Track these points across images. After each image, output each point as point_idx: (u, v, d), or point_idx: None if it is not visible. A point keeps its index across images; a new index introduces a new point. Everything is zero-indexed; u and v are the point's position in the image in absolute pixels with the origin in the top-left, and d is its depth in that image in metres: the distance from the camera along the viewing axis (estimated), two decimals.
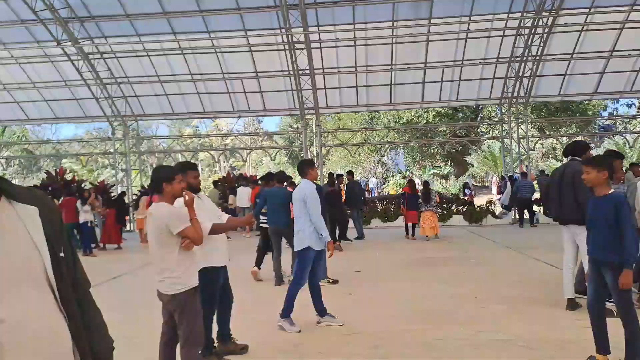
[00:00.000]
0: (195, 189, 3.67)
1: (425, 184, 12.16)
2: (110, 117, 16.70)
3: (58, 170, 18.52)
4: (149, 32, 14.25)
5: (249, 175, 19.24)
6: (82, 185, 17.83)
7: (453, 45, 14.71)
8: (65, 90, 16.53)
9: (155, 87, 16.19)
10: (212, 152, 27.10)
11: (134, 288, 7.30)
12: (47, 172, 18.89)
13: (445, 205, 15.13)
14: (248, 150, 22.74)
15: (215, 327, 4.01)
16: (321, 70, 15.13)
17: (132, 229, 16.12)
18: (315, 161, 14.19)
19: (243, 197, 13.80)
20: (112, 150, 17.83)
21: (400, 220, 13.21)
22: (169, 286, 3.18)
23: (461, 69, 15.38)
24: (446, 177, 31.05)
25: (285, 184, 7.55)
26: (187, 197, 3.20)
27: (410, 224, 11.66)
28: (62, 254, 1.30)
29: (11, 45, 15.04)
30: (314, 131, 16.44)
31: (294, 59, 14.14)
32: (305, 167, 4.97)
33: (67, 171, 20.59)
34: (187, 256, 3.22)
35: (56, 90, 16.58)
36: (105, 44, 14.63)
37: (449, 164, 31.63)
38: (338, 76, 15.65)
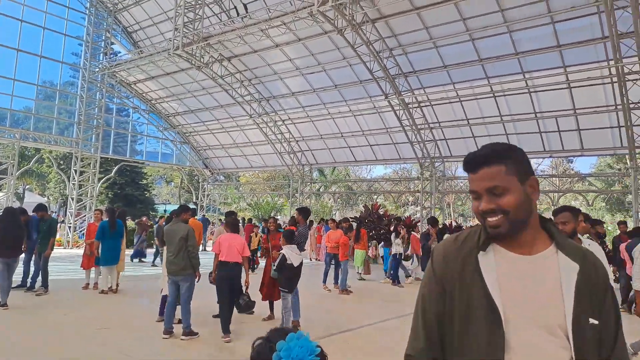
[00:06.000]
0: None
1: None
2: (420, 159, 18.46)
3: (373, 205, 21.56)
4: (463, 79, 15.29)
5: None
6: (392, 220, 20.16)
7: None
8: (385, 136, 19.36)
9: (463, 130, 17.06)
10: None
11: None
12: (365, 206, 22.19)
13: None
14: (558, 194, 20.81)
15: None
16: None
17: None
18: None
19: None
20: (417, 188, 19.60)
21: None
22: None
23: None
24: None
25: None
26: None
27: None
28: (595, 321, 1.28)
29: (350, 101, 18.78)
30: None
31: (623, 93, 12.38)
32: None
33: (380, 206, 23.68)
34: None
35: (379, 136, 19.60)
36: (423, 94, 16.46)
37: None
38: None
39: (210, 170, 27.74)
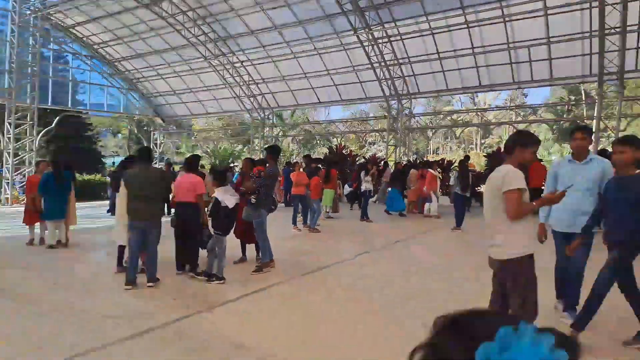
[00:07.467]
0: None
1: None
2: (388, 97, 18.10)
3: (338, 146, 21.28)
4: (437, 10, 14.73)
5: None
6: (357, 159, 20.06)
7: None
8: (352, 75, 18.69)
9: (433, 65, 16.73)
10: (468, 129, 26.57)
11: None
12: (329, 148, 21.90)
13: None
14: (507, 126, 21.43)
15: None
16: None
17: None
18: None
19: None
20: (379, 127, 19.40)
21: None
22: (498, 253, 3.06)
23: None
24: None
25: None
26: None
27: None
28: None
29: (315, 38, 17.75)
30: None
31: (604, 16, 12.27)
32: None
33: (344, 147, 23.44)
34: (518, 222, 2.96)
35: (345, 76, 18.89)
36: (394, 27, 15.80)
37: None
38: None
39: (161, 118, 26.05)
